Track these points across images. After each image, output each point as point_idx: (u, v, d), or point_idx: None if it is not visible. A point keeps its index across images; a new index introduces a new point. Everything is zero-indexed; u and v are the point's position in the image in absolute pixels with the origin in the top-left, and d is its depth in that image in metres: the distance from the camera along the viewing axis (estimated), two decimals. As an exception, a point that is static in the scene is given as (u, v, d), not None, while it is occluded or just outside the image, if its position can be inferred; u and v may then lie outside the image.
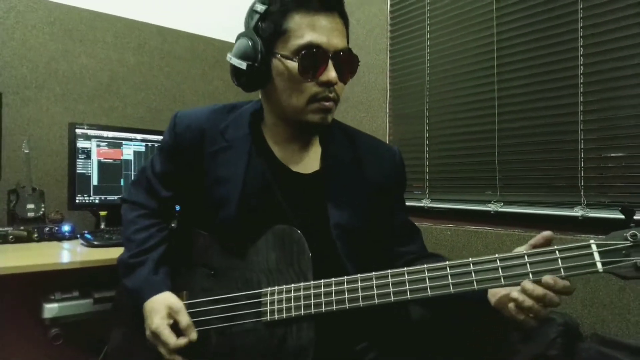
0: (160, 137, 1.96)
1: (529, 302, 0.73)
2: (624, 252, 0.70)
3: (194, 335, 0.93)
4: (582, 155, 1.34)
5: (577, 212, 1.33)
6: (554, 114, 1.42)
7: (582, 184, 1.34)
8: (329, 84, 0.91)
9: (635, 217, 0.72)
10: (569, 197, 1.37)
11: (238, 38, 0.94)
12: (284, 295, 0.89)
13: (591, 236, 1.04)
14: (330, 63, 0.90)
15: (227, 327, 0.93)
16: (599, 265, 0.70)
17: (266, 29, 0.91)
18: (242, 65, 0.91)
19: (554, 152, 1.42)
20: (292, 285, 0.89)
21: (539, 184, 1.45)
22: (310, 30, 0.89)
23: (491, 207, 1.54)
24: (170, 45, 2.33)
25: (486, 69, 1.58)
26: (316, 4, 0.89)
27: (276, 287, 0.90)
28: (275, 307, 0.89)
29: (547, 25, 1.42)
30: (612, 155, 1.30)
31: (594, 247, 0.71)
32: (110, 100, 2.14)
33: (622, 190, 1.29)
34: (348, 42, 0.95)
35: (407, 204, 1.89)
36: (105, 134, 1.86)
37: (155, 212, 1.07)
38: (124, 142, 1.90)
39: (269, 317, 0.89)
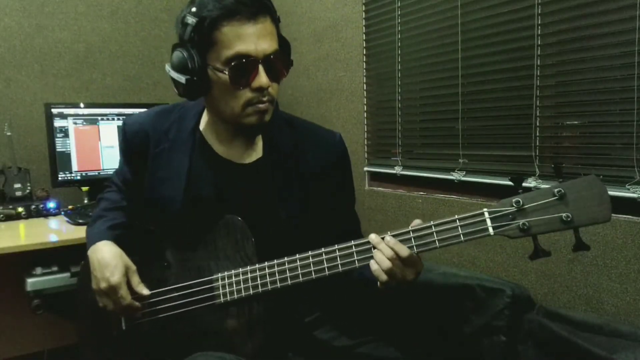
0: (137, 110, 1.99)
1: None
2: (510, 216, 0.80)
3: (145, 291, 1.04)
4: (538, 123, 1.27)
5: (530, 183, 1.28)
6: (511, 77, 1.33)
7: (537, 153, 1.28)
8: (261, 90, 0.93)
9: (524, 185, 0.82)
10: (524, 167, 1.31)
11: (174, 49, 0.97)
12: (233, 279, 0.98)
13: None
14: (260, 69, 0.92)
15: (184, 312, 1.02)
16: (491, 230, 0.81)
17: (198, 41, 0.92)
18: (182, 79, 0.93)
19: (510, 120, 1.35)
20: (240, 269, 0.98)
21: (497, 153, 1.40)
22: (238, 40, 0.90)
23: (455, 176, 1.50)
24: (145, 8, 2.28)
25: (451, 27, 1.48)
26: (243, 14, 0.90)
27: (226, 273, 0.99)
28: (227, 290, 0.98)
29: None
30: (568, 123, 1.23)
31: (486, 214, 0.82)
32: (88, 72, 2.16)
33: (576, 162, 1.22)
34: (279, 40, 0.96)
35: (380, 170, 1.86)
36: (81, 111, 1.91)
37: (122, 192, 1.18)
38: (100, 118, 1.94)
39: (222, 299, 0.98)
